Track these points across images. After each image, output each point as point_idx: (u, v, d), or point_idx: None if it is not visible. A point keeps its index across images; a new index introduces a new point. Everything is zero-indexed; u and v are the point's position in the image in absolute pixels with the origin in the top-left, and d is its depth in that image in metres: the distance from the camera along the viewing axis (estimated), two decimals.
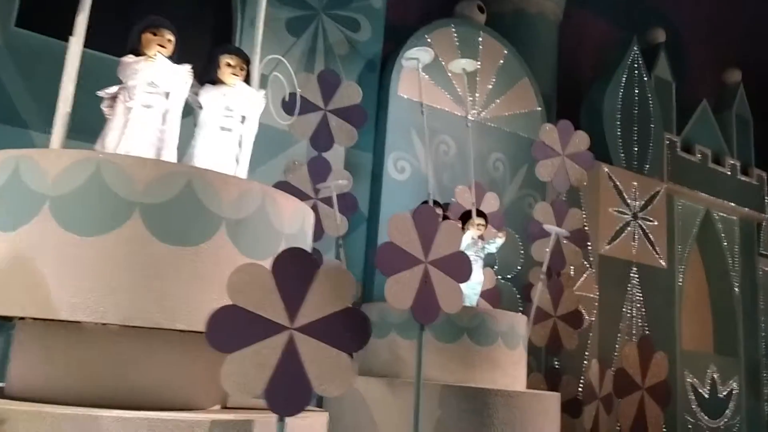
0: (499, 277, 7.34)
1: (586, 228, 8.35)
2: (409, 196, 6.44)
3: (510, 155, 7.67)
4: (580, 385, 7.15)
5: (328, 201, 5.34)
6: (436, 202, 5.69)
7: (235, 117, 3.60)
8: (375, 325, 5.02)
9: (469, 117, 7.37)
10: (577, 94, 9.52)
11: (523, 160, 7.64)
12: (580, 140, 6.90)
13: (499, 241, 5.88)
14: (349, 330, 2.96)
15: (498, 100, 7.65)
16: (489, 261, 7.24)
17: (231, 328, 2.75)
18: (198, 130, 3.56)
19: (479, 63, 6.64)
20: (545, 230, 6.38)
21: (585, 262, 8.28)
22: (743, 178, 10.62)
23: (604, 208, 8.59)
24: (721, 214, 10.31)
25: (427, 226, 4.03)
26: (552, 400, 4.93)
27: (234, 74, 3.65)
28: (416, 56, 5.44)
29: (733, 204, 10.29)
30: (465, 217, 5.81)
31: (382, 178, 6.59)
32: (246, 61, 3.72)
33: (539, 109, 7.98)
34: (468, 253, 5.61)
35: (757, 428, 10.33)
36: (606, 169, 8.71)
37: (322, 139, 5.43)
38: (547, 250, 6.38)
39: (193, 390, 3.18)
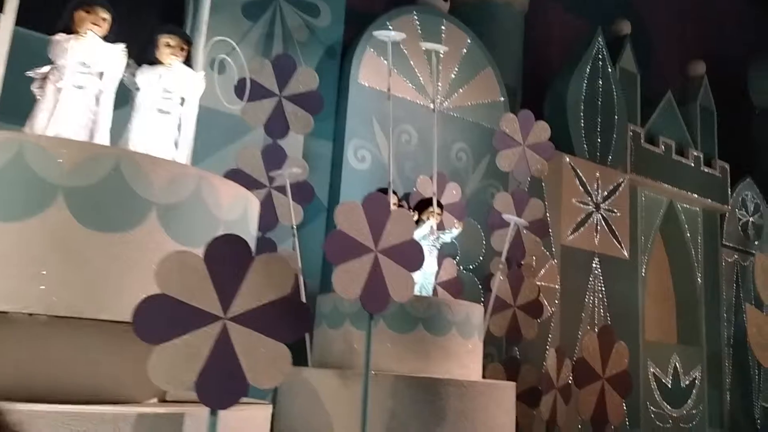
0: (461, 267, 7.28)
1: (548, 217, 8.34)
2: (369, 185, 6.34)
3: (473, 145, 7.61)
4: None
5: (283, 190, 5.21)
6: (393, 192, 5.61)
7: (174, 99, 3.48)
8: (330, 316, 4.96)
9: (433, 106, 7.32)
10: (542, 85, 9.49)
11: (485, 150, 7.57)
12: (541, 130, 6.84)
13: (455, 231, 5.82)
14: (286, 319, 2.86)
15: (461, 90, 7.58)
16: (451, 251, 7.19)
17: (159, 318, 2.64)
18: (134, 112, 3.44)
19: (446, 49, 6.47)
20: (505, 220, 6.32)
21: (547, 253, 8.27)
22: (706, 169, 10.69)
23: (566, 198, 8.58)
24: (685, 205, 10.38)
25: (378, 214, 3.93)
26: (506, 390, 4.88)
27: (173, 55, 3.52)
28: (388, 34, 5.35)
29: (696, 195, 10.36)
30: (422, 206, 5.74)
31: (341, 167, 6.48)
32: (186, 41, 3.60)
33: (502, 99, 7.92)
34: (425, 242, 5.57)
35: (719, 417, 10.45)
36: (569, 160, 8.70)
37: (276, 126, 5.30)
38: (507, 240, 6.31)
39: (126, 383, 3.07)
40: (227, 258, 2.78)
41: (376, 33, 5.48)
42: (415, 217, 5.53)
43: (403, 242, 4.00)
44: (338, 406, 4.36)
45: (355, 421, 4.26)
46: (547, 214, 8.32)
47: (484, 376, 6.38)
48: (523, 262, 7.14)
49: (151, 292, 2.61)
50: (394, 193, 5.62)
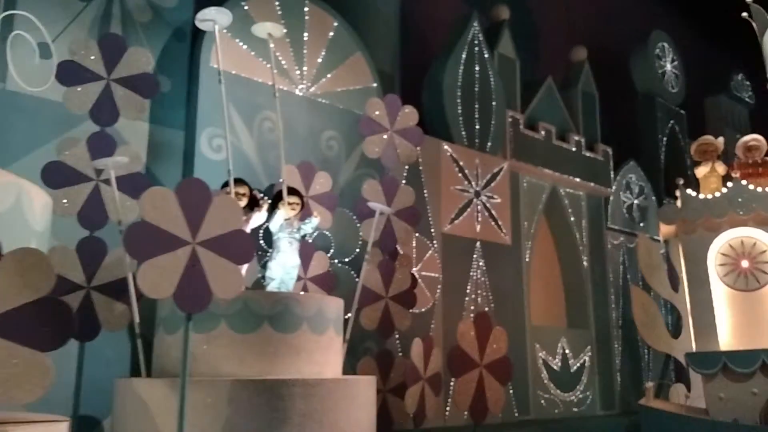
0: (336, 260, 6.99)
1: (428, 205, 8.17)
2: (226, 176, 5.91)
3: (344, 133, 7.30)
4: None
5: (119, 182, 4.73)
6: (242, 181, 5.23)
7: None
8: (167, 321, 4.56)
9: (297, 92, 6.99)
10: (423, 72, 9.30)
11: (359, 138, 7.24)
12: (409, 115, 6.64)
13: (315, 221, 5.51)
14: (43, 325, 2.46)
15: (329, 75, 7.25)
16: (324, 244, 6.89)
17: None
18: None
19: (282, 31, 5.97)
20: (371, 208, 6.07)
21: (428, 242, 8.09)
22: (589, 154, 10.80)
23: (445, 186, 8.42)
24: (568, 189, 10.45)
25: (196, 202, 3.56)
26: (362, 385, 4.61)
27: None
28: (212, 17, 4.93)
29: (578, 179, 10.44)
30: (278, 197, 5.39)
31: (194, 157, 6.04)
32: None
33: (375, 85, 7.65)
34: (281, 234, 5.25)
35: (611, 399, 10.59)
36: (447, 147, 8.54)
37: (104, 111, 4.82)
38: (373, 228, 6.07)
39: None
40: None
41: (198, 23, 5.05)
42: (264, 208, 5.18)
43: (228, 232, 3.65)
44: (170, 417, 3.95)
45: None
46: (427, 203, 8.18)
47: (355, 372, 6.14)
48: (401, 252, 6.94)
49: None
50: (244, 183, 5.23)
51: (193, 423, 3.92)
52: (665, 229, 8.03)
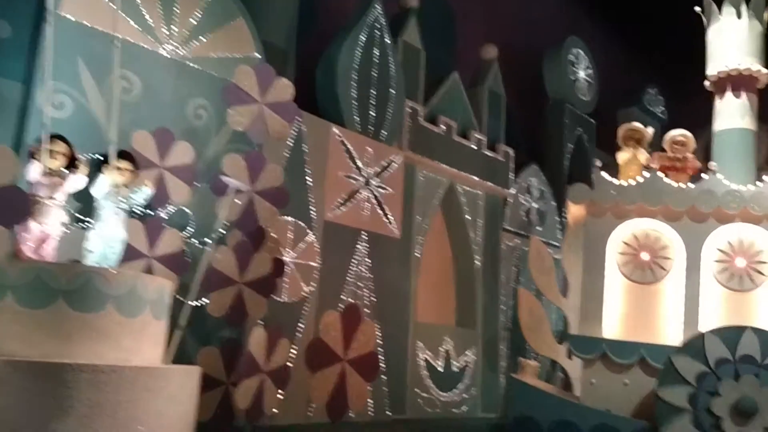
0: (195, 240, 6.47)
1: (309, 190, 7.74)
2: (68, 137, 5.32)
3: (217, 103, 6.75)
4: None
5: None
6: (61, 139, 4.67)
7: None
8: None
9: (163, 52, 6.43)
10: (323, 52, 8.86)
11: None
12: (283, 88, 6.18)
13: (147, 190, 5.00)
14: None
15: (203, 38, 6.72)
16: (182, 222, 6.37)
17: None
18: None
19: None
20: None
21: (306, 228, 7.66)
22: (489, 153, 10.59)
23: (332, 171, 8.01)
24: (466, 187, 10.21)
25: None
26: (173, 376, 4.14)
27: None
28: None
29: (477, 178, 10.22)
30: (106, 159, 4.86)
31: (30, 113, 5.42)
32: None
33: (257, 56, 7.14)
34: (106, 203, 4.71)
35: (494, 400, 10.43)
36: (337, 131, 8.12)
37: None
38: (225, 205, 5.59)
39: None
40: None
41: None
42: (83, 170, 4.63)
43: None
44: None
45: None
46: (308, 187, 7.76)
47: (196, 363, 5.63)
48: (272, 234, 6.46)
49: None
50: (64, 140, 4.66)
51: None
52: (573, 210, 7.72)
